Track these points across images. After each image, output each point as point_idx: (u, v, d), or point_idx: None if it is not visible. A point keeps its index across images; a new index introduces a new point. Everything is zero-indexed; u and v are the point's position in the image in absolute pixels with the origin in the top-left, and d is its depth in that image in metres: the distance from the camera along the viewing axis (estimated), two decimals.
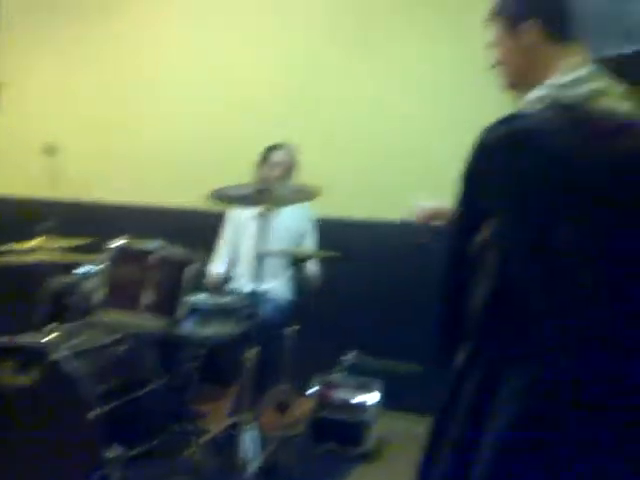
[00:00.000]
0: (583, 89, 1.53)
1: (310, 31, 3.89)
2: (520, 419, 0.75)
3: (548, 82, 1.60)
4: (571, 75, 1.57)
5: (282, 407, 2.58)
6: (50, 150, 3.22)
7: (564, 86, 1.53)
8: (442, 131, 3.51)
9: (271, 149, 3.30)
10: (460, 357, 0.85)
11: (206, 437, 2.50)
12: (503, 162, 0.86)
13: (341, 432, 2.90)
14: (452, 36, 3.48)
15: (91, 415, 2.13)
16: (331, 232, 3.35)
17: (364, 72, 3.78)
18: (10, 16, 4.53)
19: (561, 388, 0.73)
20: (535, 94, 1.60)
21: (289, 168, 3.28)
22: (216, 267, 3.32)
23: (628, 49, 2.53)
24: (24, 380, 2.21)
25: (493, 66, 1.74)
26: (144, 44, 4.25)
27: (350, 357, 2.94)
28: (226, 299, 2.75)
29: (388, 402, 2.96)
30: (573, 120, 0.89)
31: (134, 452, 2.37)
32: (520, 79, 1.73)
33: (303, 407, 2.78)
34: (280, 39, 3.96)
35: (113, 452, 2.19)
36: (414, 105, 3.61)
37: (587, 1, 2.58)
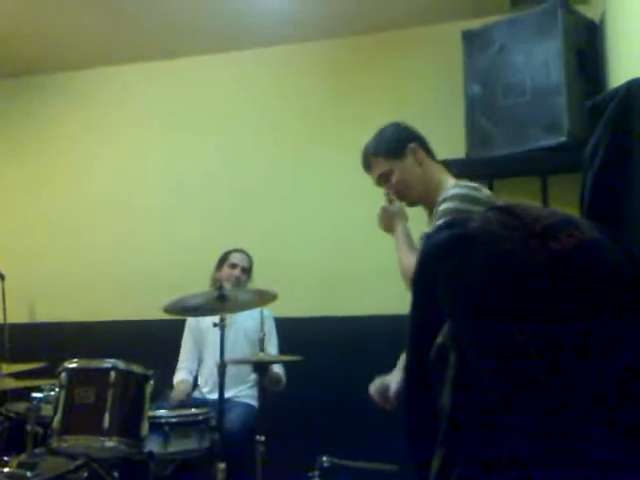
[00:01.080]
0: (485, 192, 1.81)
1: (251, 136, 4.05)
2: None
3: (461, 183, 1.84)
4: (469, 182, 1.86)
5: None
6: None
7: (476, 188, 1.78)
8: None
9: (230, 252, 3.36)
10: (434, 465, 0.86)
11: None
12: (448, 269, 0.91)
13: None
14: None
15: None
16: (292, 332, 3.36)
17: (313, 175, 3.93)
18: None
19: None
20: (455, 191, 1.80)
21: (247, 271, 3.32)
22: (178, 377, 3.26)
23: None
24: None
25: (388, 196, 2.01)
26: (83, 170, 4.31)
27: (324, 461, 2.85)
28: (190, 411, 2.68)
29: None
30: (510, 221, 0.95)
31: None
32: (418, 193, 1.99)
33: None
34: (219, 145, 4.08)
35: None
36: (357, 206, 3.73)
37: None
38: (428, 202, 1.95)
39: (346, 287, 3.71)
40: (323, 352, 3.46)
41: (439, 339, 0.91)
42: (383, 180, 2.00)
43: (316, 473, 2.86)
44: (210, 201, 4.04)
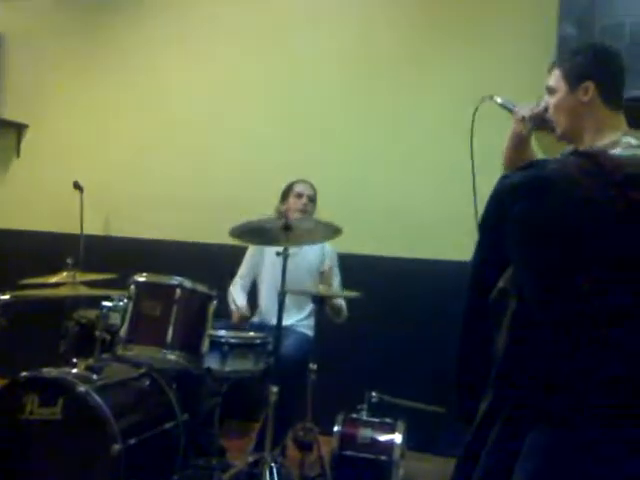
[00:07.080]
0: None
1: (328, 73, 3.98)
2: (539, 476, 0.74)
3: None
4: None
5: (305, 445, 2.56)
6: (77, 188, 3.35)
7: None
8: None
9: (293, 183, 3.36)
10: (481, 407, 0.85)
11: (230, 472, 2.48)
12: (520, 209, 0.88)
13: (367, 471, 2.86)
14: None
15: (115, 449, 2.13)
16: (352, 269, 3.37)
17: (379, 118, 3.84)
18: (30, 61, 4.70)
19: (584, 449, 0.73)
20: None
21: (312, 201, 3.32)
22: (237, 298, 3.34)
23: None
24: (49, 413, 2.23)
25: (545, 110, 1.86)
26: (166, 88, 4.35)
27: (373, 396, 2.90)
28: (249, 334, 2.76)
29: (411, 443, 2.93)
30: (590, 167, 0.90)
31: None
32: (569, 131, 1.82)
33: (326, 445, 2.75)
34: (296, 82, 4.04)
35: None
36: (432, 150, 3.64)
37: None
38: (572, 141, 1.85)
39: (412, 228, 3.68)
40: (382, 290, 3.47)
41: (500, 283, 0.89)
42: (548, 92, 1.90)
43: (364, 407, 2.92)
44: (282, 135, 4.03)
